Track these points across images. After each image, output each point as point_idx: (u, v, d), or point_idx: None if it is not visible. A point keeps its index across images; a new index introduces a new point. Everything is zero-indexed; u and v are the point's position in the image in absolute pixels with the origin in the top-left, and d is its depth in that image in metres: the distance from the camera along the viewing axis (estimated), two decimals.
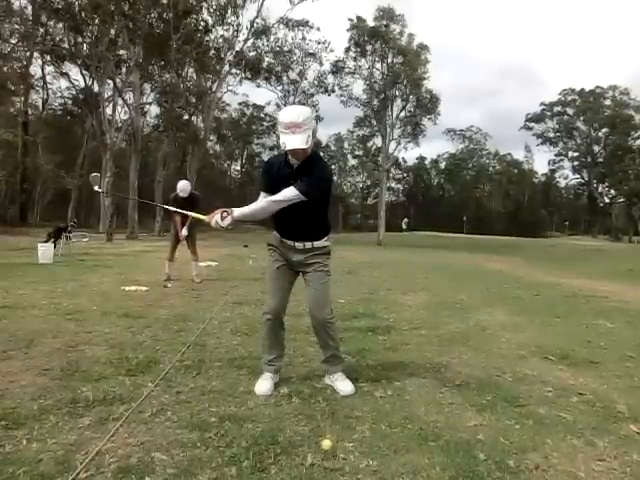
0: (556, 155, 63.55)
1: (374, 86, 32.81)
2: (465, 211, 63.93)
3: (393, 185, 71.47)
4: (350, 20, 32.13)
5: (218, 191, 52.37)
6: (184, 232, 7.65)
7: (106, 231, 23.00)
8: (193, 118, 33.99)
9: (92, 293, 6.37)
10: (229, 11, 30.58)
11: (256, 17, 31.53)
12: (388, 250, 22.87)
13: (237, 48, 32.16)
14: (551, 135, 61.39)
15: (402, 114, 33.30)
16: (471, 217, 63.81)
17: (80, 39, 26.75)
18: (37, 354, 3.50)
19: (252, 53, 34.42)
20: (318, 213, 2.90)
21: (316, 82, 36.97)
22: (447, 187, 76.52)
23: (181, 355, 3.55)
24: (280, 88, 38.63)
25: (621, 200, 60.14)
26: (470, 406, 2.73)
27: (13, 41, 27.77)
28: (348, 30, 32.40)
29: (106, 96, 29.36)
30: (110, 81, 28.04)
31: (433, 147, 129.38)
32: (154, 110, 37.48)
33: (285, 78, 37.78)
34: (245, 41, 32.26)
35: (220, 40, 32.06)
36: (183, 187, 7.53)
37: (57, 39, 27.74)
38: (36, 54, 31.24)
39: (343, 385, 2.92)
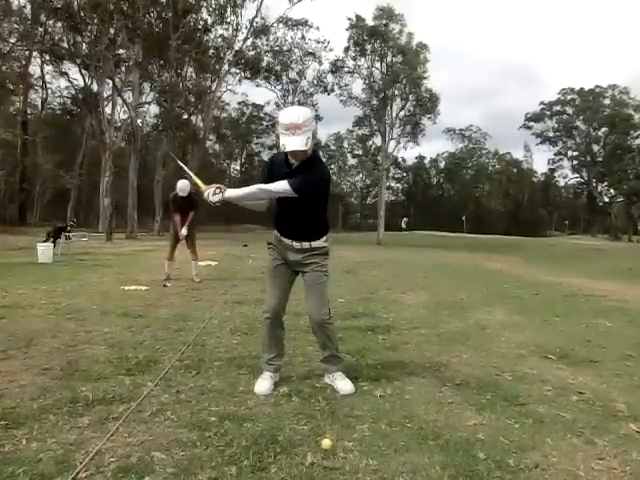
0: (555, 154, 63.57)
1: (373, 85, 32.79)
2: (465, 210, 63.83)
3: (392, 184, 71.46)
4: (349, 19, 32.17)
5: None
6: (184, 231, 7.65)
7: (105, 230, 23.01)
8: (192, 117, 34.01)
9: (92, 292, 6.37)
10: (228, 10, 30.61)
11: (255, 16, 31.57)
12: (388, 249, 22.87)
13: (236, 47, 32.20)
14: (550, 134, 61.36)
15: (402, 113, 33.32)
16: (471, 216, 63.73)
17: (79, 38, 26.73)
18: (37, 353, 3.50)
19: (251, 52, 34.48)
20: (316, 213, 2.91)
21: (315, 81, 37.04)
22: (447, 186, 76.45)
23: (181, 354, 3.55)
24: (279, 87, 38.72)
25: (620, 199, 60.12)
26: (470, 405, 2.73)
27: (12, 40, 27.77)
28: (347, 29, 32.44)
29: (105, 95, 29.37)
30: (109, 80, 28.04)
31: (433, 146, 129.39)
32: (153, 109, 37.56)
33: (284, 77, 37.85)
34: (244, 40, 32.31)
35: (219, 39, 32.13)
36: (182, 187, 7.54)
37: (56, 38, 27.72)
38: (35, 53, 31.28)
39: (343, 384, 2.92)
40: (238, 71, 34.80)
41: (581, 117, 58.93)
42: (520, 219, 67.68)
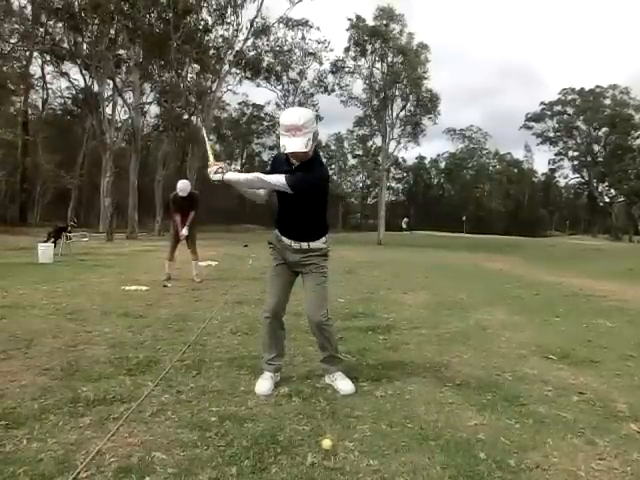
0: (556, 154, 63.47)
1: (374, 85, 32.75)
2: (465, 211, 63.81)
3: (393, 185, 71.36)
4: (349, 20, 32.09)
5: (218, 190, 52.34)
6: (184, 232, 7.65)
7: (106, 231, 22.99)
8: (193, 118, 33.99)
9: (92, 293, 6.37)
10: (229, 10, 30.54)
11: (256, 16, 31.49)
12: (388, 249, 22.86)
13: (237, 48, 32.13)
14: (551, 134, 61.28)
15: (402, 113, 33.26)
16: (471, 216, 63.70)
17: (80, 39, 26.69)
18: (37, 354, 3.50)
19: (252, 53, 34.44)
20: (315, 214, 2.91)
21: (316, 82, 36.99)
22: (447, 187, 76.39)
23: (181, 355, 3.55)
24: (280, 88, 38.69)
25: (621, 199, 60.04)
26: (470, 405, 2.73)
27: (13, 41, 27.75)
28: (348, 29, 32.40)
29: (106, 96, 29.33)
30: (110, 81, 28.01)
31: (433, 146, 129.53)
32: (154, 110, 37.51)
33: (285, 78, 37.82)
34: (245, 40, 32.23)
35: (220, 40, 32.04)
36: (183, 186, 7.55)
37: (57, 39, 27.68)
38: (36, 54, 31.23)
39: (343, 384, 2.92)
40: (239, 71, 34.81)
41: (582, 117, 58.84)
42: (520, 219, 67.62)
